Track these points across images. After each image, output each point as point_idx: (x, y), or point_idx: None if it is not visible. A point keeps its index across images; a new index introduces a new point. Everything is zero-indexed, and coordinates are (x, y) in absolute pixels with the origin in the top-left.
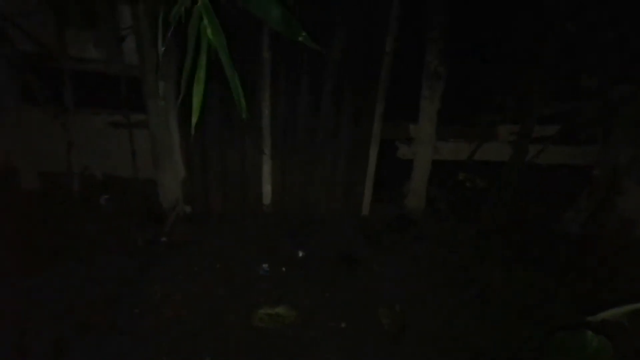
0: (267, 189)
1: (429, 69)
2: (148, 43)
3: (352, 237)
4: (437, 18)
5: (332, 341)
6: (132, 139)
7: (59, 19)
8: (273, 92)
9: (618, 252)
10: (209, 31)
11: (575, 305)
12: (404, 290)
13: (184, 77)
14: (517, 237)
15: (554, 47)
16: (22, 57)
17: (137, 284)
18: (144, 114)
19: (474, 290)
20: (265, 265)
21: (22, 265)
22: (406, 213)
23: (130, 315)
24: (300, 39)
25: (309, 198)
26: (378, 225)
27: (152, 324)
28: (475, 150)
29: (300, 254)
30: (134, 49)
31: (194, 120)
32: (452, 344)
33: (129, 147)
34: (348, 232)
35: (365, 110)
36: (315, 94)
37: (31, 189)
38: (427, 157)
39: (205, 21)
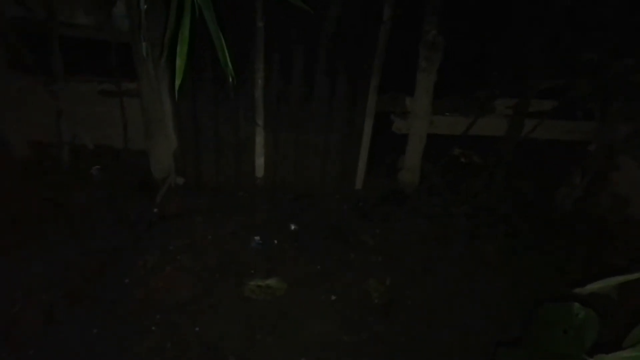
0: (260, 161)
1: (426, 38)
2: (137, 6)
3: (345, 210)
4: None
5: (321, 314)
6: (123, 107)
7: None
8: (267, 63)
9: (611, 227)
10: None
11: (566, 279)
12: (395, 264)
13: (166, 36)
14: (510, 212)
15: (553, 20)
16: (8, 22)
17: (127, 255)
18: (135, 83)
19: (465, 265)
20: (257, 238)
21: (11, 235)
22: (400, 187)
23: (120, 285)
24: None
25: (302, 171)
26: (371, 199)
27: (143, 294)
28: (472, 124)
29: (293, 227)
30: (124, 15)
31: (177, 82)
32: (441, 317)
33: (120, 116)
34: (341, 206)
35: (361, 82)
36: (309, 65)
37: (21, 158)
38: (423, 131)
39: None
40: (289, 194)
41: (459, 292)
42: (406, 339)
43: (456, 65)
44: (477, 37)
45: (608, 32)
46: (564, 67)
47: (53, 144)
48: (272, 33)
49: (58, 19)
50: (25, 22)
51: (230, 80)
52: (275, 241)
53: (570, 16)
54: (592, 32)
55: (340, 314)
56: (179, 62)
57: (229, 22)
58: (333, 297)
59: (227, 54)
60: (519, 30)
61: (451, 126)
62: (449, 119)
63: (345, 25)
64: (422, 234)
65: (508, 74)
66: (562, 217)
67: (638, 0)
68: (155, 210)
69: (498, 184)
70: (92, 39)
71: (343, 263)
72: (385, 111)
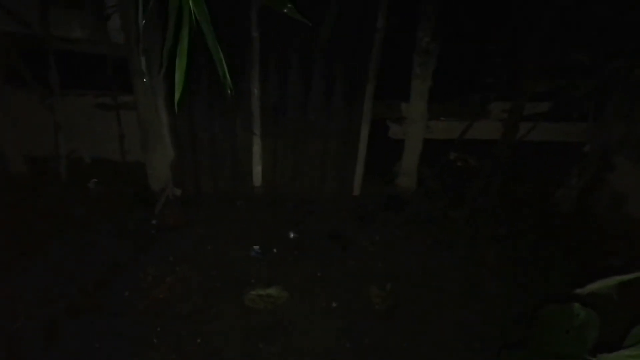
0: (257, 169)
1: (420, 45)
2: (133, 21)
3: (344, 217)
4: None
5: (323, 321)
6: (120, 120)
7: None
8: (262, 72)
9: (609, 227)
10: (190, 2)
11: (566, 280)
12: (395, 270)
13: (165, 50)
14: (509, 214)
15: (546, 23)
16: (5, 38)
17: (127, 267)
18: (131, 95)
19: (466, 268)
20: (256, 247)
21: (11, 250)
22: (398, 193)
23: (121, 297)
24: (285, 10)
25: (300, 179)
26: (370, 205)
27: (143, 306)
28: (467, 128)
29: (292, 234)
30: (119, 28)
31: (177, 95)
32: (442, 322)
33: (117, 129)
34: (339, 213)
35: (357, 89)
36: (305, 73)
37: (19, 173)
38: (419, 136)
39: None
40: (287, 202)
41: (460, 296)
42: (408, 345)
43: (451, 70)
44: (470, 41)
45: (601, 33)
46: (558, 70)
47: (51, 158)
48: (267, 43)
49: (54, 34)
50: (21, 38)
51: (229, 92)
52: (275, 249)
53: (563, 18)
54: (585, 34)
55: (341, 321)
56: (179, 76)
57: (224, 33)
58: (334, 304)
59: (225, 67)
60: (512, 34)
61: (447, 131)
62: (445, 123)
63: (340, 34)
64: (421, 239)
65: (502, 77)
66: (560, 218)
67: (630, 0)
68: (154, 221)
69: (495, 187)
70: (88, 53)
71: (343, 270)
72: (382, 117)
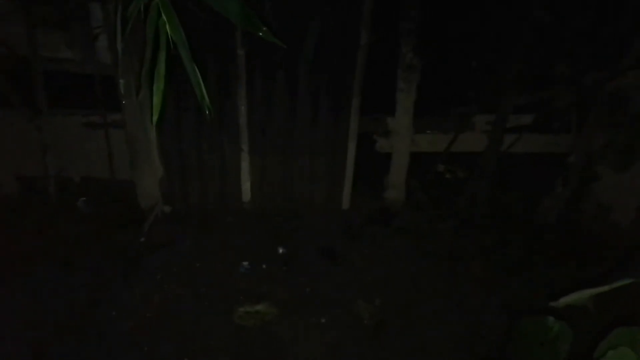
0: (246, 185)
1: (404, 60)
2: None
3: (333, 231)
4: (411, 10)
5: (312, 337)
6: (109, 139)
7: (30, 19)
8: (249, 89)
9: (595, 236)
10: (167, 27)
11: (553, 291)
12: (384, 284)
13: (143, 73)
14: (495, 225)
15: (526, 36)
16: None
17: (116, 286)
18: (119, 114)
19: (454, 281)
20: (245, 263)
21: None
22: (386, 206)
23: (109, 317)
24: (260, 33)
25: (289, 194)
26: (358, 219)
27: (132, 325)
28: (452, 141)
29: (281, 250)
30: (107, 48)
31: (154, 118)
32: (430, 335)
33: (105, 148)
34: (328, 227)
35: (342, 104)
36: (291, 89)
37: (8, 193)
38: (405, 150)
39: (164, 17)
40: (276, 217)
41: (448, 310)
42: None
43: (434, 84)
44: (453, 56)
45: (580, 45)
46: (540, 81)
47: (39, 178)
48: (253, 60)
49: (41, 54)
50: (9, 59)
51: (207, 112)
52: (264, 265)
53: (543, 31)
54: (565, 46)
55: (330, 337)
56: (156, 100)
57: (210, 50)
58: (323, 320)
59: (203, 89)
60: (493, 47)
61: (433, 143)
62: (430, 136)
63: (324, 50)
64: (410, 252)
65: (485, 90)
66: (547, 228)
67: (609, 13)
68: (143, 239)
69: (483, 198)
70: (76, 73)
71: (332, 284)
72: (368, 131)
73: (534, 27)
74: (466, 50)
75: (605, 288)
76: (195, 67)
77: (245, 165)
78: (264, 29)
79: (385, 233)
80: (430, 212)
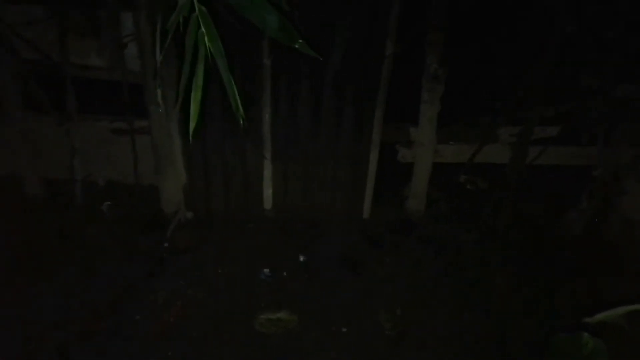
0: (268, 193)
1: (428, 71)
2: (149, 50)
3: (354, 240)
4: (437, 20)
5: (332, 346)
6: (134, 145)
7: (62, 27)
8: (273, 98)
9: (621, 252)
10: (206, 39)
11: (578, 306)
12: (405, 294)
13: (181, 84)
14: (519, 238)
15: (554, 47)
16: (25, 66)
17: (139, 290)
18: (146, 120)
19: (476, 293)
20: (266, 270)
21: (25, 272)
22: (407, 216)
23: (132, 321)
24: (297, 45)
25: (310, 202)
26: (379, 228)
27: (155, 330)
28: (476, 152)
29: (302, 258)
30: (135, 56)
31: (191, 127)
32: (452, 347)
33: (131, 154)
34: (349, 236)
35: (366, 114)
36: (315, 99)
37: (35, 196)
38: (428, 160)
39: (203, 29)
40: (297, 225)
41: (470, 321)
42: None
43: (459, 95)
44: (479, 66)
45: (609, 57)
46: (567, 94)
47: (66, 181)
48: (278, 69)
49: (72, 61)
50: (40, 65)
51: (241, 122)
52: (285, 273)
53: (571, 42)
54: (594, 57)
55: (351, 346)
56: (194, 108)
57: (236, 59)
58: (344, 329)
59: (238, 100)
60: (520, 58)
61: (456, 154)
62: (454, 147)
63: (349, 61)
64: (431, 262)
65: (511, 102)
66: (571, 242)
67: (637, 24)
68: (166, 244)
69: (506, 210)
70: (104, 80)
71: (353, 293)
72: (391, 141)
73: (561, 38)
74: (492, 62)
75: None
76: (232, 79)
77: (267, 173)
78: (301, 41)
79: (406, 243)
80: (452, 222)
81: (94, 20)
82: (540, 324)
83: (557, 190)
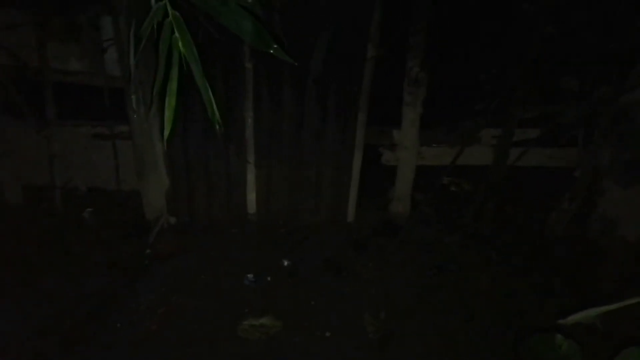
0: (251, 197)
1: (410, 75)
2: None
3: (338, 244)
4: (418, 24)
5: (317, 351)
6: (116, 150)
7: (41, 32)
8: (256, 101)
9: (602, 250)
10: (180, 44)
11: (559, 306)
12: (389, 297)
13: (155, 89)
14: (502, 240)
15: (534, 50)
16: (3, 71)
17: (121, 297)
18: (127, 126)
19: (459, 295)
20: (250, 275)
21: (4, 280)
22: (392, 219)
23: (114, 329)
24: (271, 50)
25: (294, 206)
26: (364, 231)
27: (137, 337)
28: (458, 154)
29: (285, 262)
30: (116, 60)
31: (166, 133)
32: (435, 350)
33: (112, 159)
34: (334, 240)
35: (349, 117)
36: (298, 102)
37: (14, 203)
38: (411, 163)
39: (177, 34)
40: (281, 229)
41: (453, 324)
42: None
43: (441, 98)
44: (460, 69)
45: (588, 60)
46: (546, 96)
47: (46, 188)
48: (260, 73)
49: (51, 66)
50: (20, 71)
51: (218, 128)
52: (269, 278)
53: (551, 45)
54: (573, 60)
55: (335, 351)
56: (168, 114)
57: (218, 63)
58: (328, 334)
59: (214, 106)
60: (500, 62)
61: (439, 157)
62: (436, 149)
63: (331, 64)
64: (415, 265)
65: (491, 104)
66: (553, 242)
67: (617, 27)
68: (148, 251)
69: (489, 211)
70: (84, 85)
71: (337, 297)
72: (374, 144)
73: (541, 41)
74: (473, 64)
75: (614, 306)
76: (207, 84)
77: (250, 177)
78: (275, 46)
79: (391, 246)
80: (436, 225)
81: (73, 24)
82: (524, 324)
83: (540, 192)
